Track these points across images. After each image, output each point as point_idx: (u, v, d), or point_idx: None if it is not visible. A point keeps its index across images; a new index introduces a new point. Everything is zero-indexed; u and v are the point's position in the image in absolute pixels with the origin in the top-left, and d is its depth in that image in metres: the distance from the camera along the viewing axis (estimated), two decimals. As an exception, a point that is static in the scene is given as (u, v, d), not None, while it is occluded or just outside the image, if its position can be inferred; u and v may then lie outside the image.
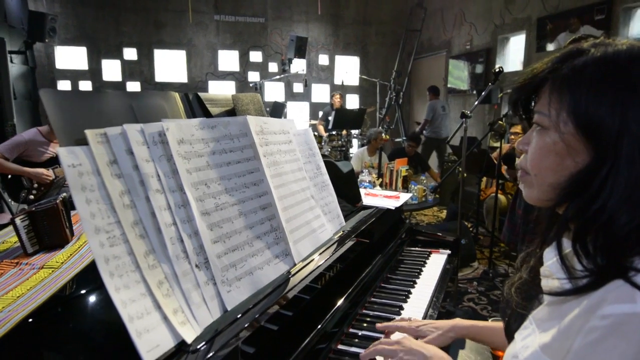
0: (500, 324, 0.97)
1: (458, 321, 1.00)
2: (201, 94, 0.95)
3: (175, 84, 8.09)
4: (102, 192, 0.62)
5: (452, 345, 1.41)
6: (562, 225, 0.57)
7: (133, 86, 7.88)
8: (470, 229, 3.90)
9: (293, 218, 1.03)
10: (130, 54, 7.81)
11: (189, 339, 0.65)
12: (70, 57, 7.51)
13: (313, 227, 1.11)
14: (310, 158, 1.26)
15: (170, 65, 8.07)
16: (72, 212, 1.12)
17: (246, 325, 0.74)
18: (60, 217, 1.03)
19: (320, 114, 7.09)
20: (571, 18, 4.76)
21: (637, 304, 0.45)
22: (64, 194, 1.09)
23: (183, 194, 0.75)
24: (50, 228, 1.02)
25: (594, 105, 0.52)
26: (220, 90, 8.18)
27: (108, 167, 0.64)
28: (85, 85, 7.66)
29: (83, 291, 0.87)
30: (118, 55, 7.71)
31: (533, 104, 0.62)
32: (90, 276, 0.89)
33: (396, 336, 1.00)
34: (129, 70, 7.82)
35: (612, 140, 0.51)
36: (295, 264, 0.96)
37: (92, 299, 0.85)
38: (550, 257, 0.60)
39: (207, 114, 0.94)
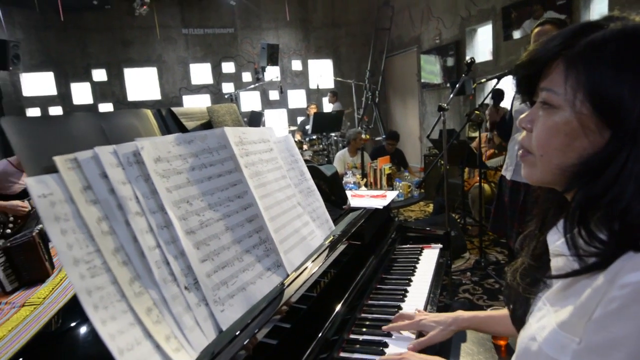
0: (500, 312, 0.97)
1: (459, 313, 0.99)
2: (175, 109, 0.92)
3: (148, 101, 7.97)
4: (77, 221, 0.59)
5: (453, 339, 1.40)
6: (569, 210, 0.55)
7: (105, 107, 7.72)
8: (458, 220, 3.93)
9: (281, 227, 1.00)
10: (100, 75, 7.66)
11: (185, 366, 0.62)
12: (37, 83, 7.32)
13: (303, 234, 1.09)
14: (293, 165, 1.24)
15: (142, 83, 7.94)
16: (51, 244, 1.07)
17: (244, 344, 0.71)
18: (38, 250, 0.98)
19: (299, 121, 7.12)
20: (534, 5, 4.88)
21: None
22: (40, 226, 1.04)
23: (165, 214, 0.72)
24: (28, 263, 0.97)
25: (614, 85, 0.49)
26: (195, 104, 8.09)
27: (82, 193, 0.61)
28: (56, 111, 7.47)
29: (70, 325, 0.83)
30: (87, 77, 7.56)
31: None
32: (76, 309, 0.85)
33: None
34: (100, 91, 7.67)
35: (632, 123, 0.48)
36: (288, 275, 0.93)
37: (81, 332, 0.81)
38: (554, 238, 0.59)
39: (182, 129, 0.91)
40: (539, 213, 0.67)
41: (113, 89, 7.73)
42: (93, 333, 0.71)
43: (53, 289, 0.95)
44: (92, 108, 7.62)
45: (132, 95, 7.89)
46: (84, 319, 0.79)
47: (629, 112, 0.48)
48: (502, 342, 1.31)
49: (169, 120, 0.88)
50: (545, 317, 0.58)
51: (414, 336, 1.03)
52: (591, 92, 0.51)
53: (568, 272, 0.53)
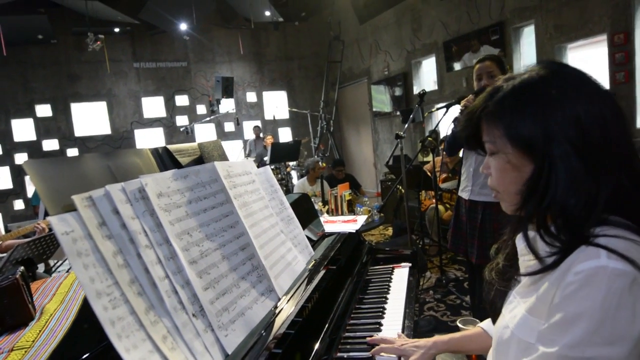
0: (473, 331, 1.06)
1: (437, 338, 1.06)
2: (169, 146, 0.96)
3: (97, 137, 7.70)
4: (96, 256, 0.62)
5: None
6: (525, 220, 0.68)
7: (50, 144, 7.37)
8: (417, 241, 4.09)
9: (270, 255, 1.06)
10: (44, 110, 7.34)
11: (200, 389, 0.65)
12: (-27, 120, 6.88)
13: (288, 260, 1.15)
14: (274, 194, 1.30)
15: (90, 118, 7.68)
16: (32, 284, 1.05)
17: (249, 366, 0.75)
18: (22, 293, 0.96)
19: (250, 154, 7.21)
20: (471, 40, 5.35)
21: (602, 258, 0.56)
22: (22, 268, 1.02)
23: (170, 246, 0.76)
24: (12, 306, 0.95)
25: (520, 126, 0.64)
26: (148, 138, 7.92)
27: (98, 229, 0.64)
28: (-7, 148, 7.02)
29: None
30: (30, 113, 7.21)
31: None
32: (67, 352, 0.84)
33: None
34: (44, 127, 7.32)
35: (541, 147, 0.63)
36: (279, 299, 0.98)
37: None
38: (520, 242, 0.73)
39: (177, 164, 0.96)
40: (512, 223, 0.80)
41: (59, 125, 7.42)
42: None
43: (40, 331, 0.94)
44: (35, 144, 7.24)
45: (80, 130, 7.60)
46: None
47: (537, 140, 0.63)
48: (474, 357, 1.41)
49: (165, 157, 0.93)
50: (516, 308, 0.70)
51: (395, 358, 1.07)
52: (507, 136, 0.66)
53: (534, 270, 0.65)
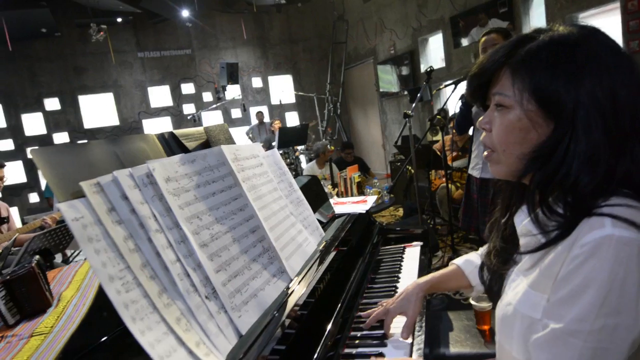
0: (450, 269, 1.08)
1: (417, 281, 1.10)
2: (175, 131, 0.96)
3: (106, 128, 7.76)
4: (107, 241, 0.62)
5: (441, 329, 1.49)
6: (529, 192, 0.65)
7: (60, 137, 7.45)
8: (428, 221, 4.08)
9: (280, 236, 1.06)
10: (53, 104, 7.40)
11: (216, 369, 0.66)
12: (-16, 116, 6.98)
13: (299, 241, 1.15)
14: (282, 177, 1.30)
15: (98, 109, 7.74)
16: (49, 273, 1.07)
17: (264, 347, 0.76)
18: (39, 281, 0.98)
19: (254, 139, 7.23)
20: (479, 14, 5.22)
21: (606, 227, 0.54)
22: (37, 257, 1.04)
23: (180, 230, 0.76)
24: (29, 294, 0.97)
25: (552, 83, 0.59)
26: (156, 127, 7.96)
27: (108, 215, 0.64)
28: (6, 145, 7.13)
29: (85, 351, 0.84)
30: (39, 107, 7.28)
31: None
32: (87, 335, 0.86)
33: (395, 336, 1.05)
34: (54, 121, 7.40)
35: (569, 112, 0.59)
36: (291, 280, 0.99)
37: (97, 357, 0.82)
38: (521, 219, 0.69)
39: (184, 149, 0.95)
40: (503, 200, 0.77)
41: (68, 118, 7.48)
42: (111, 354, 0.74)
43: (58, 317, 0.96)
44: (46, 139, 7.33)
45: (89, 122, 7.66)
46: (97, 343, 0.82)
47: (566, 103, 0.59)
48: (485, 327, 1.42)
49: (172, 142, 0.92)
50: (519, 285, 0.67)
51: (407, 341, 1.05)
52: (534, 91, 0.61)
53: (537, 246, 0.62)
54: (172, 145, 0.91)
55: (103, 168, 0.67)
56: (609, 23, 3.99)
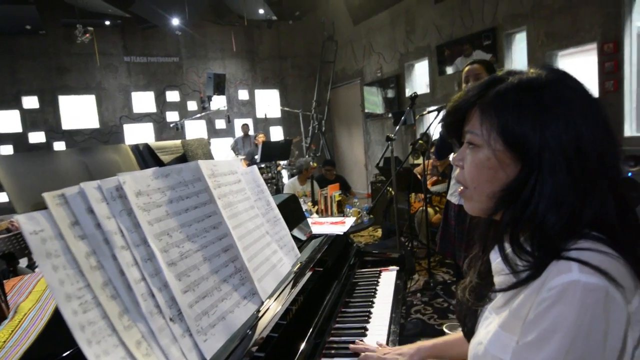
0: (456, 335, 1.05)
1: (420, 344, 1.05)
2: (151, 143, 0.93)
3: (85, 130, 7.59)
4: (67, 257, 0.59)
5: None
6: (501, 230, 0.65)
7: (36, 136, 7.24)
8: (406, 244, 4.09)
9: (254, 256, 1.03)
10: (31, 102, 7.20)
11: (175, 398, 0.63)
12: (-43, 110, 6.73)
13: (273, 262, 1.12)
14: (260, 195, 1.28)
15: (78, 111, 7.56)
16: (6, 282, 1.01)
17: (228, 373, 0.73)
18: (-6, 291, 0.93)
19: (239, 152, 7.20)
20: (464, 44, 5.37)
21: (573, 272, 0.54)
22: (-5, 265, 0.98)
23: (147, 247, 0.73)
24: (-17, 305, 0.91)
25: (518, 125, 0.61)
26: (138, 132, 7.82)
27: (70, 229, 0.61)
28: (-22, 140, 6.87)
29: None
30: (16, 104, 7.07)
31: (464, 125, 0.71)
32: (40, 352, 0.81)
33: None
34: (30, 119, 7.19)
35: (535, 153, 0.60)
36: (263, 302, 0.96)
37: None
38: (495, 257, 0.69)
39: (159, 162, 0.93)
40: (480, 237, 0.77)
41: (46, 117, 7.29)
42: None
43: (13, 331, 0.90)
44: (21, 137, 7.11)
45: (67, 123, 7.47)
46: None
47: (531, 145, 0.60)
48: (458, 357, 1.40)
49: (146, 154, 0.90)
50: (491, 324, 0.67)
51: None
52: (502, 132, 0.62)
53: (508, 285, 0.62)
54: (146, 157, 0.88)
55: (70, 179, 0.64)
56: (586, 62, 4.16)
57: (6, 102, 7.01)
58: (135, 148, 0.87)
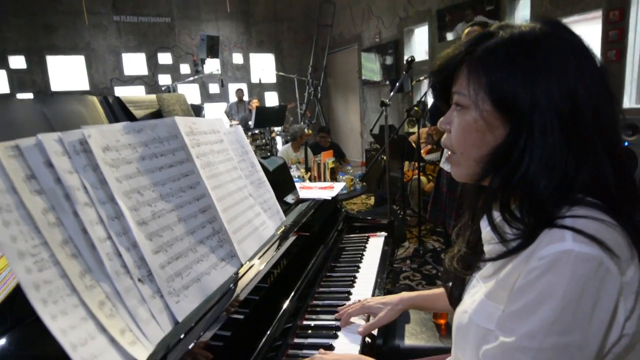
0: (440, 290, 1.05)
1: (404, 294, 1.07)
2: (123, 97, 0.88)
3: (75, 92, 7.39)
4: (21, 212, 0.55)
5: (398, 321, 1.48)
6: (489, 197, 0.62)
7: (25, 97, 7.06)
8: (398, 212, 4.10)
9: (234, 218, 1.00)
10: (18, 62, 6.98)
11: (142, 358, 0.61)
12: (-59, 69, 6.52)
13: (255, 225, 1.09)
14: (244, 156, 1.23)
15: (68, 72, 7.35)
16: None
17: (200, 335, 0.71)
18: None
19: (233, 118, 7.07)
20: (466, 9, 5.19)
21: (567, 241, 0.50)
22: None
23: (115, 205, 0.69)
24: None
25: (507, 83, 0.56)
26: (129, 95, 7.64)
27: (25, 183, 0.57)
28: (-35, 101, 6.69)
29: (8, 326, 0.77)
30: (2, 64, 6.85)
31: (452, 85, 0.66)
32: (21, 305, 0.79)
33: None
34: (18, 80, 6.99)
35: (525, 113, 0.55)
36: (242, 265, 0.93)
37: (27, 331, 0.75)
38: (485, 225, 0.66)
39: (131, 117, 0.87)
40: (469, 205, 0.74)
41: (34, 78, 7.08)
42: (40, 331, 0.67)
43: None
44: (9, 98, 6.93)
45: (56, 85, 7.28)
46: (30, 315, 0.74)
47: (522, 104, 0.55)
48: (442, 321, 1.41)
49: (117, 108, 0.84)
50: (478, 293, 0.64)
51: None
52: (490, 91, 0.57)
53: (498, 254, 0.59)
54: (116, 111, 0.83)
55: (26, 130, 0.59)
56: (590, 31, 4.03)
57: (-8, 61, 6.79)
58: (104, 100, 0.82)
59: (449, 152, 0.67)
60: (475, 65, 0.59)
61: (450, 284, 0.79)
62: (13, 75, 6.95)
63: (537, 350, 0.50)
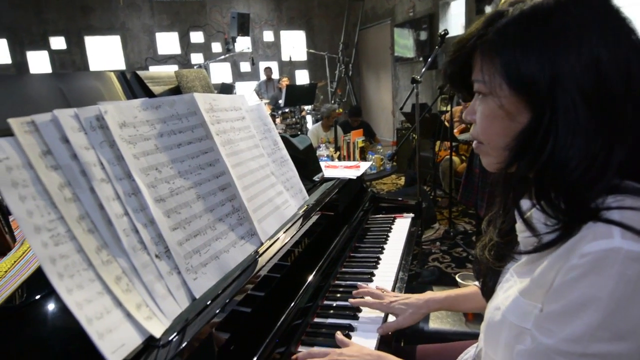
0: (470, 289, 0.99)
1: (430, 296, 0.99)
2: (140, 72, 0.87)
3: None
4: (37, 187, 0.55)
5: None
6: (516, 183, 0.58)
7: (41, 74, 7.33)
8: (429, 192, 4.01)
9: (255, 197, 0.99)
10: (58, 42, 7.22)
11: (158, 333, 0.61)
12: (-12, 50, 6.85)
13: (276, 204, 1.08)
14: (266, 134, 1.21)
15: (105, 52, 7.55)
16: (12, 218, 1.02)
17: (217, 311, 0.71)
18: (-5, 221, 0.93)
19: (263, 97, 7.06)
20: (506, -22, 4.88)
21: (615, 238, 0.45)
22: (-2, 197, 0.98)
23: (132, 182, 0.69)
24: (-15, 235, 0.92)
25: (522, 63, 0.51)
26: (163, 75, 7.79)
27: (41, 158, 0.57)
28: (11, 81, 7.02)
29: (36, 298, 0.80)
30: (44, 45, 7.11)
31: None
32: (43, 281, 0.82)
33: (368, 313, 0.99)
34: (59, 60, 7.25)
35: (545, 93, 0.50)
36: (262, 243, 0.93)
37: (48, 305, 0.78)
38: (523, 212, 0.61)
39: (149, 93, 0.87)
40: (500, 194, 0.69)
41: (73, 58, 7.33)
42: (61, 305, 0.69)
43: (15, 261, 0.91)
44: (51, 78, 7.22)
45: (95, 65, 7.50)
46: (51, 291, 0.77)
47: (540, 84, 0.50)
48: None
49: (134, 84, 0.84)
50: (512, 288, 0.60)
51: (382, 314, 1.01)
52: (505, 74, 0.53)
53: (534, 247, 0.54)
54: (134, 87, 0.83)
55: (43, 106, 0.59)
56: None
57: (35, 43, 7.05)
58: (121, 75, 0.81)
59: (475, 143, 0.63)
60: (487, 49, 0.55)
61: (484, 275, 0.74)
62: (54, 56, 7.21)
63: (580, 355, 0.47)
